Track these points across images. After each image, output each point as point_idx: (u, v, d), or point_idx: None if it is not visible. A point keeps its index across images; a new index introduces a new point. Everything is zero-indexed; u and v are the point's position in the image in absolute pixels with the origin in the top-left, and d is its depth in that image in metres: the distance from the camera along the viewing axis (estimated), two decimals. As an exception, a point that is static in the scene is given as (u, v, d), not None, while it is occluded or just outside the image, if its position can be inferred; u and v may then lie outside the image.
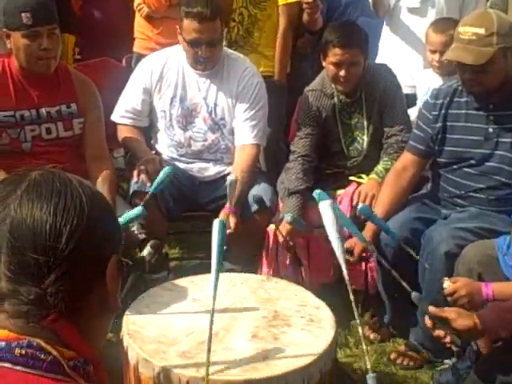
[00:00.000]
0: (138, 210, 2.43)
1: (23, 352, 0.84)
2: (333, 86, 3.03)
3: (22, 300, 0.86)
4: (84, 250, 0.89)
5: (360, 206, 2.58)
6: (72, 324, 0.89)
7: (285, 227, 2.86)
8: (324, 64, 3.01)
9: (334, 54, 2.92)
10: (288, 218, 2.64)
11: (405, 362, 2.68)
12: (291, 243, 2.87)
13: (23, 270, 0.86)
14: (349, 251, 2.62)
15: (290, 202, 2.93)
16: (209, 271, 2.61)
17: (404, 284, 2.19)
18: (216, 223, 2.09)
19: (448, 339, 2.21)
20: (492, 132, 2.58)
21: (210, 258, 3.22)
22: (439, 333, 2.03)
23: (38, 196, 0.89)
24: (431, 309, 2.03)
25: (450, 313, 2.01)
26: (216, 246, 2.03)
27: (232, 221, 2.72)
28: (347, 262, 2.69)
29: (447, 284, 2.20)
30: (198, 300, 2.23)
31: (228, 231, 2.65)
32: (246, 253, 2.94)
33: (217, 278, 1.99)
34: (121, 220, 2.41)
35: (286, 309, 2.16)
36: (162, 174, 2.58)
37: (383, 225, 2.56)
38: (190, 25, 2.87)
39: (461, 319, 1.99)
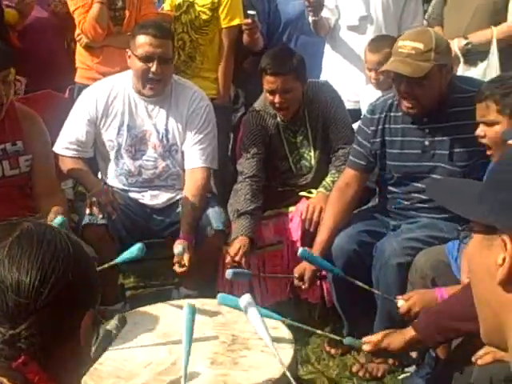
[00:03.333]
0: (137, 249, 2.43)
1: None
2: None
3: None
4: (65, 300, 0.91)
5: (300, 250, 2.55)
6: (42, 370, 0.89)
7: (234, 247, 2.84)
8: None
9: (267, 82, 2.96)
10: (229, 275, 2.53)
11: (367, 374, 2.71)
12: (238, 259, 2.81)
13: (3, 311, 0.88)
14: (300, 278, 2.64)
15: (239, 223, 2.92)
16: (165, 298, 2.62)
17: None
18: (186, 308, 2.06)
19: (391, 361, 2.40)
20: (428, 145, 2.64)
21: (165, 284, 3.21)
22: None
23: (28, 243, 0.92)
24: (365, 348, 2.08)
25: (380, 342, 2.04)
26: (186, 333, 1.98)
27: (186, 257, 2.70)
28: (299, 288, 2.74)
29: (401, 303, 2.24)
30: (155, 330, 2.20)
31: (182, 269, 2.65)
32: (202, 277, 2.92)
33: (187, 361, 1.91)
34: (119, 259, 2.46)
35: (244, 332, 2.16)
36: (134, 250, 2.48)
37: (324, 264, 2.58)
38: (144, 40, 2.88)
39: (393, 342, 2.02)
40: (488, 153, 2.33)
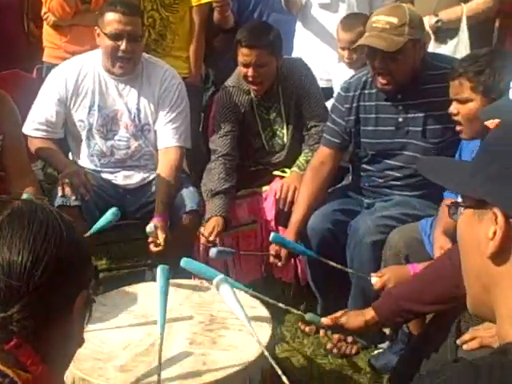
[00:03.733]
0: (111, 213, 2.44)
1: None
2: None
3: None
4: (57, 281, 0.89)
5: (271, 235, 2.57)
6: (34, 352, 0.88)
7: (208, 227, 2.84)
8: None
9: (242, 54, 2.95)
10: (213, 253, 2.56)
11: (341, 351, 2.74)
12: (212, 238, 2.83)
13: None
14: (276, 256, 2.65)
15: (213, 202, 2.92)
16: (139, 280, 2.60)
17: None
18: (158, 270, 2.07)
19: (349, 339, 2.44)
20: (402, 121, 2.66)
21: (139, 266, 3.18)
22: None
23: (19, 223, 0.89)
24: (324, 321, 2.07)
25: (341, 318, 2.05)
26: (160, 294, 1.99)
27: (161, 236, 2.68)
28: (274, 266, 2.76)
29: (375, 280, 2.26)
30: (132, 311, 2.19)
31: (157, 248, 2.64)
32: (177, 258, 2.91)
33: (163, 327, 1.93)
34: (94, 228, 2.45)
35: (221, 311, 2.16)
36: (108, 215, 2.52)
37: (297, 247, 2.60)
38: (112, 17, 2.84)
39: (351, 321, 2.03)
40: (458, 128, 2.35)
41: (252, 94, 3.07)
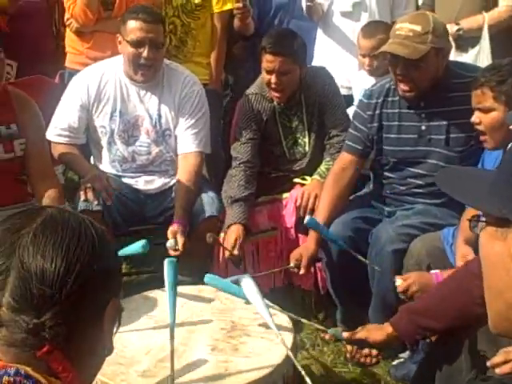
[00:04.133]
0: (141, 246, 2.44)
1: (11, 380, 0.84)
2: None
3: (20, 328, 0.87)
4: (89, 288, 0.90)
5: (307, 218, 2.60)
6: (66, 358, 0.89)
7: (230, 239, 2.83)
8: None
9: (266, 61, 2.95)
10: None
11: (362, 360, 2.72)
12: (236, 252, 2.82)
13: (27, 299, 0.87)
14: (296, 265, 2.65)
15: (233, 210, 2.92)
16: (160, 286, 2.61)
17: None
18: (166, 263, 2.08)
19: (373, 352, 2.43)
20: (425, 130, 2.65)
21: (159, 271, 3.19)
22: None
23: (53, 231, 0.90)
24: (345, 335, 2.08)
25: (361, 333, 2.05)
26: (169, 287, 2.02)
27: (180, 241, 2.69)
28: (294, 275, 2.76)
29: (399, 282, 2.25)
30: (154, 316, 2.20)
31: (176, 253, 2.64)
32: (196, 263, 2.92)
33: (173, 320, 1.96)
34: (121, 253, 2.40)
35: (243, 318, 2.16)
36: (137, 246, 2.50)
37: (329, 235, 2.61)
38: (134, 24, 2.86)
39: (373, 335, 2.03)
40: (482, 138, 2.34)
41: (275, 102, 3.08)
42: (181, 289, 2.35)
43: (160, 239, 2.86)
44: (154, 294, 2.37)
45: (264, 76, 3.00)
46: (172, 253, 2.71)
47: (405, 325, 1.99)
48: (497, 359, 1.70)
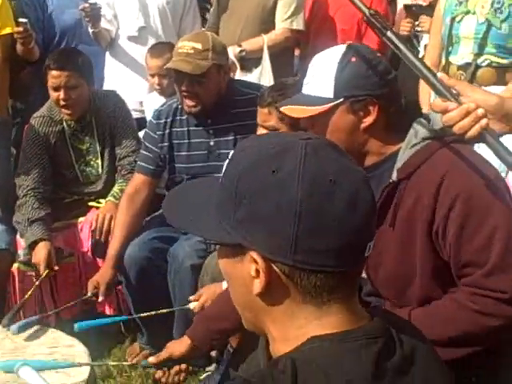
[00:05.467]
0: None
1: None
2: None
3: None
4: None
5: (75, 327, 2.25)
6: None
7: (39, 256, 2.68)
8: None
9: (52, 77, 2.91)
10: (14, 330, 2.19)
11: (170, 379, 2.71)
12: (56, 268, 2.72)
13: None
14: (94, 294, 2.59)
15: (33, 229, 2.79)
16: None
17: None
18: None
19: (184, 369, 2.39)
20: (213, 145, 2.74)
21: None
22: None
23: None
24: (151, 361, 2.04)
25: (164, 353, 2.04)
26: None
27: None
28: (94, 301, 2.68)
29: (193, 305, 2.27)
30: None
31: None
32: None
33: None
34: None
35: (36, 355, 2.05)
36: None
37: (105, 322, 2.46)
38: None
39: (176, 351, 2.02)
40: None
41: (64, 124, 3.01)
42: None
43: None
44: None
45: (52, 95, 2.95)
46: None
47: (200, 333, 2.01)
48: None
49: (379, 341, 0.86)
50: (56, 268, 2.72)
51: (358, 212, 0.84)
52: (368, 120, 1.59)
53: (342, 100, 1.57)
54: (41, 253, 2.71)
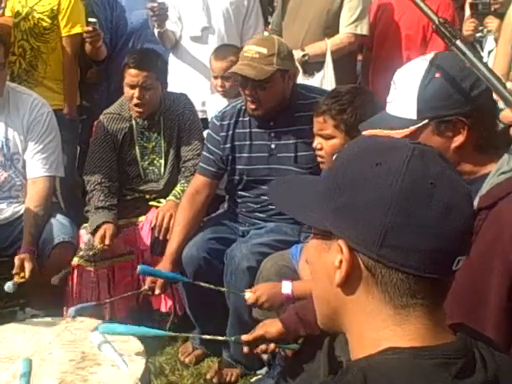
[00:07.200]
0: None
1: None
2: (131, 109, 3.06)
3: None
4: None
5: (138, 268, 2.49)
6: None
7: (99, 232, 2.80)
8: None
9: (129, 75, 2.98)
10: (71, 313, 2.29)
11: (221, 380, 2.74)
12: (107, 242, 2.80)
13: None
14: (151, 288, 2.61)
15: (99, 214, 2.89)
16: (9, 320, 2.49)
17: None
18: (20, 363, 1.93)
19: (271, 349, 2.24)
20: (274, 148, 2.75)
21: (10, 306, 3.03)
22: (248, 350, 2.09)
23: None
24: (244, 338, 2.06)
25: (259, 330, 2.06)
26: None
27: (27, 267, 2.56)
28: (151, 297, 2.72)
29: (248, 295, 2.29)
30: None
31: (21, 280, 2.52)
32: (48, 295, 2.80)
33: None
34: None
35: (93, 348, 2.10)
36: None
37: (168, 274, 2.57)
38: None
39: (269, 330, 2.05)
40: (319, 160, 2.38)
41: (133, 121, 3.08)
42: (31, 322, 2.28)
43: (10, 273, 2.72)
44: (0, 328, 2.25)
45: (127, 91, 3.02)
46: (17, 279, 2.56)
47: (291, 320, 2.01)
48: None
49: (459, 362, 0.83)
50: (107, 242, 2.79)
51: (450, 221, 0.84)
52: (458, 139, 1.45)
53: (426, 122, 1.45)
54: (100, 231, 2.82)
